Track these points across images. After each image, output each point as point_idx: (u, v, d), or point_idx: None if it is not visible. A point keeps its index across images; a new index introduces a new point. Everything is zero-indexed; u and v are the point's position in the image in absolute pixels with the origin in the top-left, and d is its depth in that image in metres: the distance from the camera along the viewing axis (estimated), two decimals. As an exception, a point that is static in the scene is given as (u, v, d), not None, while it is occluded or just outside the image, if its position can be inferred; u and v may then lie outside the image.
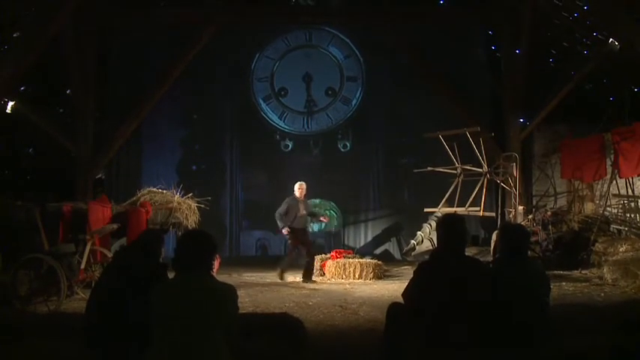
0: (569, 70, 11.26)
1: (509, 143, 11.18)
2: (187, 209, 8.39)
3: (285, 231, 8.89)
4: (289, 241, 9.16)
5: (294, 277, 9.49)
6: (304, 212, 9.01)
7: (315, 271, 9.35)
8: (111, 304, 3.66)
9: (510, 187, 9.80)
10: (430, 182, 11.97)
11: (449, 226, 3.64)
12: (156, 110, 11.88)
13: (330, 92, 12.85)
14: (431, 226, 11.21)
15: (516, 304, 3.48)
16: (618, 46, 9.35)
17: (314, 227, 11.40)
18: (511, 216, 9.90)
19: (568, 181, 11.54)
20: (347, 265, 9.31)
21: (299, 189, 9.07)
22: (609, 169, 10.22)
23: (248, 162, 12.67)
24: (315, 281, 8.92)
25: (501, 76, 11.89)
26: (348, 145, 12.67)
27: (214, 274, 3.33)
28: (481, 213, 9.14)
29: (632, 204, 10.17)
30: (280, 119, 12.75)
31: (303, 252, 9.11)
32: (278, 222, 8.96)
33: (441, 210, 9.71)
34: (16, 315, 6.14)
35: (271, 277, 9.63)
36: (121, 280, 3.76)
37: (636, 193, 10.04)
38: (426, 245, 11.25)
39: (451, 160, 9.57)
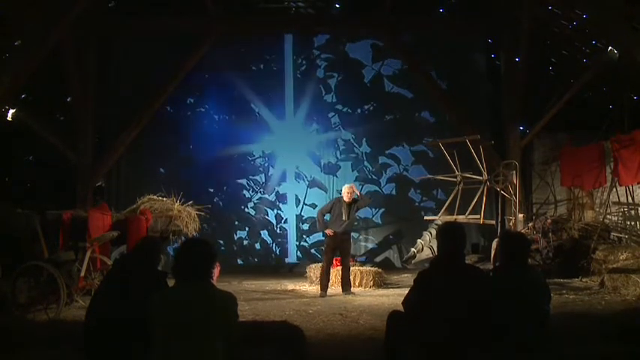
0: (569, 79, 11.29)
1: (509, 151, 11.20)
2: (187, 217, 8.39)
3: (328, 232, 8.48)
4: (325, 245, 8.76)
5: (295, 285, 9.49)
6: (346, 218, 8.40)
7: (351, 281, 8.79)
8: (111, 312, 3.66)
9: (510, 194, 9.78)
10: (430, 190, 12.01)
11: (449, 234, 3.64)
12: (156, 118, 11.93)
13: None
14: (431, 234, 11.20)
15: (516, 312, 3.48)
16: (617, 55, 9.37)
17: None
18: (511, 224, 9.88)
19: (568, 189, 11.54)
20: (347, 273, 9.29)
21: (346, 192, 8.52)
22: (609, 177, 10.23)
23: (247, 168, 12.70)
24: (353, 292, 8.47)
25: (501, 84, 11.93)
26: (347, 152, 12.66)
27: (214, 281, 3.33)
28: (481, 221, 9.12)
29: (632, 212, 10.16)
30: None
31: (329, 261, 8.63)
32: (317, 221, 8.73)
33: (441, 218, 9.71)
34: (15, 323, 6.12)
35: (271, 284, 9.64)
36: (121, 287, 3.76)
37: (636, 200, 10.03)
38: (427, 253, 11.24)
39: (451, 168, 9.57)
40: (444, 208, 9.98)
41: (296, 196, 12.46)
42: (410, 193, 12.56)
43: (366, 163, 12.61)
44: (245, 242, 12.42)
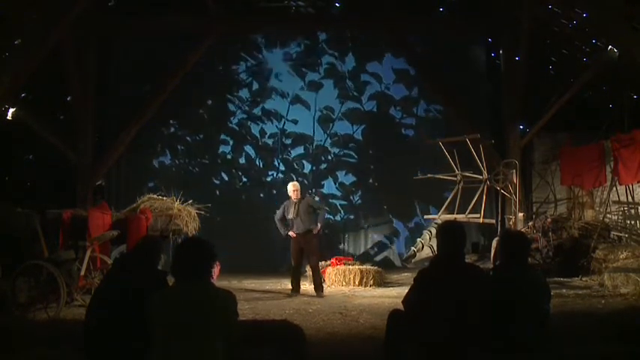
0: (569, 78, 11.28)
1: (509, 150, 11.19)
2: (187, 216, 8.39)
3: (290, 234, 8.43)
4: (291, 249, 8.65)
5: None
6: (295, 215, 8.30)
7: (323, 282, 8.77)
8: (110, 312, 3.66)
9: (510, 194, 9.79)
10: (430, 189, 12.03)
11: (449, 233, 3.64)
12: (156, 117, 11.95)
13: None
14: (431, 232, 11.20)
15: (516, 311, 3.48)
16: (617, 54, 9.38)
17: None
18: (511, 223, 9.89)
19: (568, 188, 11.54)
20: (347, 272, 9.31)
21: (292, 190, 8.51)
22: (609, 176, 10.23)
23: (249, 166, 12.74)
24: (323, 295, 8.31)
25: (501, 83, 11.92)
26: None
27: (214, 280, 3.33)
28: (481, 220, 9.13)
29: (632, 211, 10.16)
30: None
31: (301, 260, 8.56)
32: (278, 227, 8.69)
33: (441, 217, 9.71)
34: (15, 322, 6.13)
35: (271, 284, 9.64)
36: (121, 287, 3.76)
37: (636, 199, 10.03)
38: (426, 252, 11.24)
39: (451, 167, 9.58)
40: (444, 207, 9.99)
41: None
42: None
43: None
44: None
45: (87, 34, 11.18)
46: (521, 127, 11.66)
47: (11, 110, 9.91)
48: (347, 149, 12.73)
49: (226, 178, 12.69)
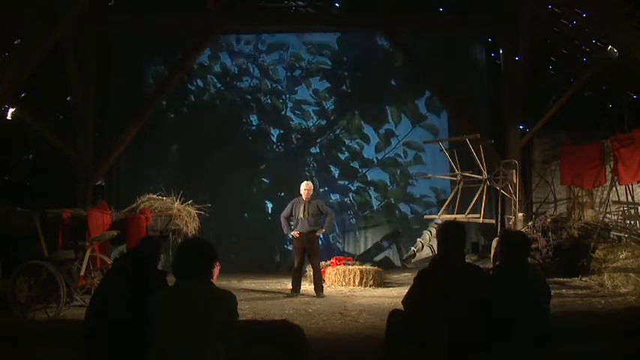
0: (569, 77, 11.29)
1: (509, 150, 11.18)
2: (187, 216, 8.39)
3: (293, 234, 8.42)
4: (293, 248, 8.65)
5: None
6: (305, 215, 8.33)
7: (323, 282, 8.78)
8: (110, 311, 3.66)
9: (510, 194, 9.79)
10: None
11: (449, 233, 3.64)
12: (156, 116, 11.93)
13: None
14: (431, 233, 11.19)
15: (517, 311, 3.47)
16: (617, 54, 9.38)
17: None
18: (511, 223, 9.89)
19: (568, 188, 11.54)
20: (347, 272, 9.31)
21: (304, 189, 8.47)
22: (609, 176, 10.23)
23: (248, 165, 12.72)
24: (324, 295, 8.33)
25: (501, 83, 11.91)
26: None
27: (214, 280, 3.33)
28: (481, 220, 9.14)
29: (632, 211, 10.16)
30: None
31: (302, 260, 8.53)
32: (282, 226, 8.65)
33: (441, 217, 9.71)
34: (15, 322, 6.13)
35: (271, 283, 9.65)
36: (121, 287, 3.76)
37: (636, 199, 10.03)
38: (426, 252, 11.23)
39: (451, 167, 9.59)
40: (444, 207, 9.99)
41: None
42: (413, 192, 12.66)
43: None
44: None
45: (87, 34, 11.17)
46: (521, 127, 11.65)
47: (11, 110, 9.90)
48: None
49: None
